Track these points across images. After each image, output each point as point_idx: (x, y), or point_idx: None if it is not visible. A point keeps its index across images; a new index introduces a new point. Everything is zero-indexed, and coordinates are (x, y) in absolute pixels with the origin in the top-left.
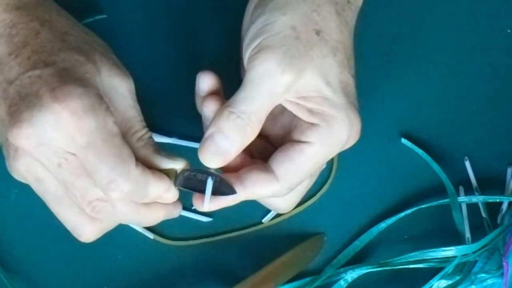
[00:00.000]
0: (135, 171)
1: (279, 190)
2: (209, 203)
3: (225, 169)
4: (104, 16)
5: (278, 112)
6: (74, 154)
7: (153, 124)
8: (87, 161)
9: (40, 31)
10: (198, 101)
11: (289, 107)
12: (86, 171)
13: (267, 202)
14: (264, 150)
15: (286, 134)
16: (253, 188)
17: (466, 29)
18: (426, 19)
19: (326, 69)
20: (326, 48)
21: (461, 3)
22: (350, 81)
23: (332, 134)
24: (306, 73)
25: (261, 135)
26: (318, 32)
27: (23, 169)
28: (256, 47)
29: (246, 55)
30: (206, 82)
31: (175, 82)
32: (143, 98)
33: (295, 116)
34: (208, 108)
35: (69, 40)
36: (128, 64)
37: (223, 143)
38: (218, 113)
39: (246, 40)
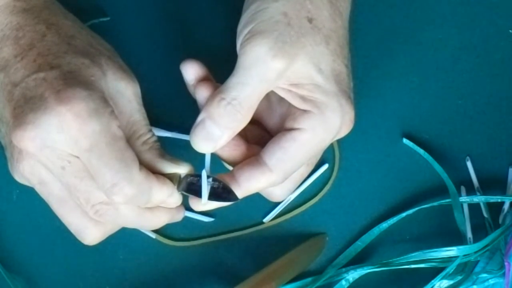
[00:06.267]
0: (139, 176)
1: (274, 180)
2: (206, 201)
3: (220, 154)
4: (108, 18)
5: (276, 100)
6: (77, 157)
7: (154, 118)
8: (91, 164)
9: (46, 34)
10: (190, 90)
11: (282, 94)
12: (90, 174)
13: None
14: (261, 138)
15: (283, 122)
16: (248, 185)
17: (467, 29)
18: (428, 19)
19: (319, 57)
20: (318, 36)
21: (463, 3)
22: (343, 70)
23: (324, 120)
24: (297, 59)
25: (259, 123)
26: (310, 20)
27: (27, 172)
28: (248, 33)
29: (239, 41)
30: (190, 71)
31: (176, 78)
32: (144, 94)
33: (290, 104)
34: (200, 95)
35: (75, 44)
36: (131, 64)
37: (214, 130)
38: (209, 99)
39: (239, 27)
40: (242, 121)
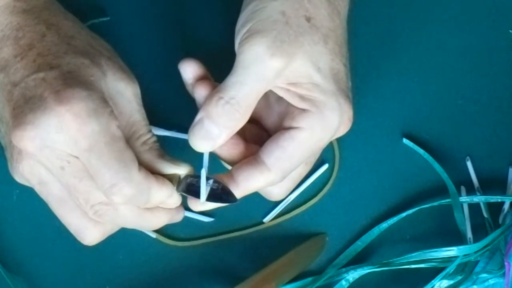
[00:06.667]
0: (138, 176)
1: (272, 179)
2: (204, 201)
3: (218, 153)
4: (107, 18)
5: (274, 100)
6: (77, 157)
7: (154, 117)
8: (90, 165)
9: (46, 34)
10: (189, 89)
11: (281, 93)
12: (89, 174)
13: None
14: (260, 137)
15: (281, 121)
16: (247, 184)
17: (468, 29)
18: (428, 19)
19: (317, 56)
20: (317, 35)
21: (463, 3)
22: (341, 69)
23: (322, 119)
24: (296, 58)
25: (257, 123)
26: (308, 19)
27: (26, 172)
28: (246, 32)
29: (237, 40)
30: (188, 70)
31: (176, 78)
32: (144, 93)
33: (289, 103)
34: (198, 94)
35: (75, 44)
36: (131, 63)
37: (212, 129)
38: (208, 99)
39: (237, 26)
40: (240, 120)
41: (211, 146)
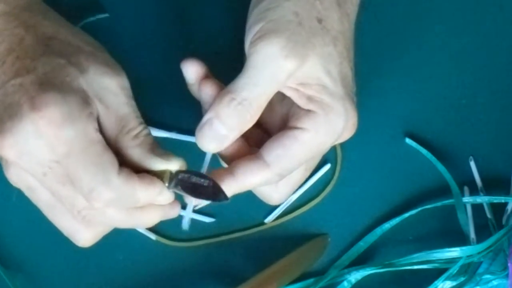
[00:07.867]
0: (117, 179)
1: (270, 177)
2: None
3: (222, 153)
4: (107, 15)
5: (277, 101)
6: (58, 162)
7: (153, 118)
8: (69, 170)
9: (24, 37)
10: (191, 88)
11: (289, 93)
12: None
13: (259, 192)
14: (260, 139)
15: (283, 124)
16: (244, 178)
17: (470, 29)
18: (431, 19)
19: (327, 58)
20: (327, 37)
21: (465, 3)
22: (348, 73)
23: (327, 122)
24: (308, 60)
25: (259, 124)
26: (320, 21)
27: (14, 179)
28: (258, 31)
29: (248, 39)
30: (191, 70)
31: (176, 77)
32: (144, 93)
33: (292, 105)
34: (205, 93)
35: (53, 45)
36: (130, 61)
37: (221, 129)
38: (218, 99)
39: (248, 24)
40: (250, 121)
41: (218, 147)
